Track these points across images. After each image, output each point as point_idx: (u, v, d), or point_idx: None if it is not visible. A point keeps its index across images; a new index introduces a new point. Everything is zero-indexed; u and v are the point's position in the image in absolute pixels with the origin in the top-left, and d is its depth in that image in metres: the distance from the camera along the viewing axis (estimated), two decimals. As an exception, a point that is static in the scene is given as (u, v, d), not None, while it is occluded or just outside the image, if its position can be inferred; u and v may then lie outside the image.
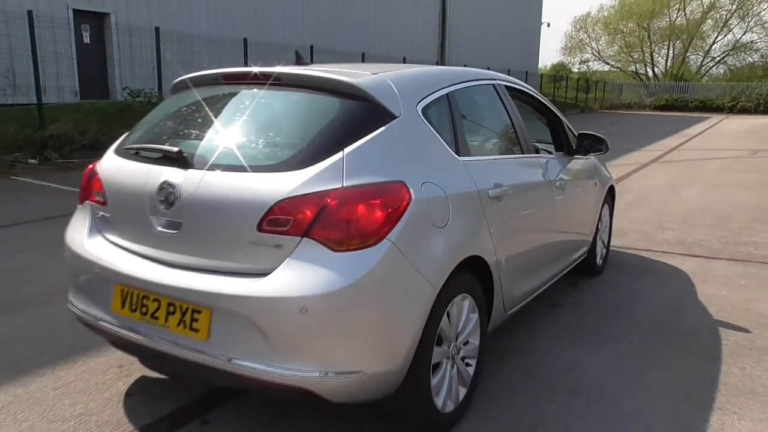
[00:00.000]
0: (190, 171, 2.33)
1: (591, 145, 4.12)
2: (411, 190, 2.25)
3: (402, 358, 2.20)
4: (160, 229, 2.36)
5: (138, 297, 2.38)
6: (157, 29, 12.78)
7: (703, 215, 7.15)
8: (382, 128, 2.34)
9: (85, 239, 2.63)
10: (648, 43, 50.22)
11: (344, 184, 2.14)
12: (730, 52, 49.67)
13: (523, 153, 3.36)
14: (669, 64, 50.31)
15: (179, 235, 2.31)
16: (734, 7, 47.68)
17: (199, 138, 2.52)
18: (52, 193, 7.76)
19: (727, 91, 39.93)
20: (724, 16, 48.26)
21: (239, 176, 2.25)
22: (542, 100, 3.97)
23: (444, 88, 2.80)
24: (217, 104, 2.66)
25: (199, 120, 2.64)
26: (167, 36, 13.41)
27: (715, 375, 3.10)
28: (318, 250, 2.09)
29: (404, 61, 19.85)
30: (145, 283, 2.34)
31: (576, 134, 4.16)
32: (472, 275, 2.61)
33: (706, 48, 49.95)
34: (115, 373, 3.04)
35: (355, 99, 2.39)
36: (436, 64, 24.43)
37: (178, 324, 2.27)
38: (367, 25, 20.56)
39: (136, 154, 2.59)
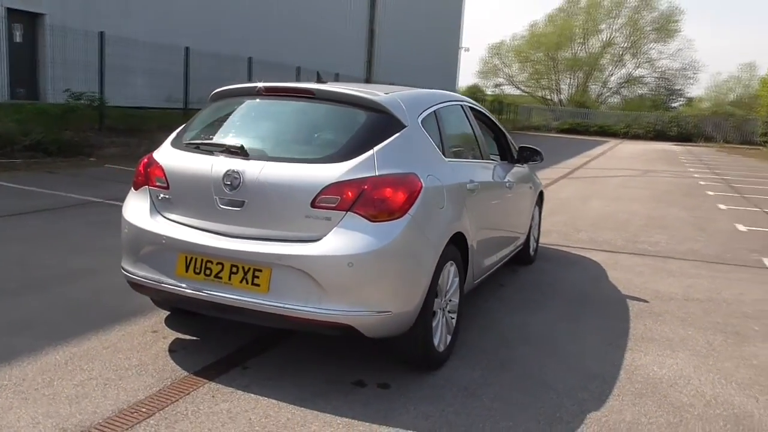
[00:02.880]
0: (252, 161, 3.00)
1: (529, 155, 5.08)
2: (421, 180, 3.04)
3: (416, 303, 2.96)
4: (223, 207, 3.00)
5: (202, 262, 3.00)
6: (101, 34, 12.87)
7: (608, 221, 8.39)
8: (397, 134, 3.12)
9: (148, 217, 3.21)
10: (554, 72, 54.12)
11: (377, 173, 2.90)
12: (624, 84, 54.46)
13: (483, 159, 4.24)
14: (572, 91, 54.32)
15: (242, 211, 2.97)
16: (627, 45, 52.56)
17: (254, 136, 3.20)
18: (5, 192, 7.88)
19: (621, 119, 43.74)
20: (619, 52, 53.02)
21: (295, 166, 2.96)
22: (492, 118, 4.89)
23: (433, 105, 3.62)
24: (263, 111, 3.37)
25: (249, 122, 3.33)
26: (109, 40, 13.45)
27: (626, 329, 4.07)
28: (359, 221, 2.83)
29: (337, 76, 20.68)
30: (210, 250, 2.97)
31: (516, 147, 5.11)
32: (456, 248, 3.42)
33: (604, 79, 54.55)
34: (151, 335, 3.58)
35: (376, 111, 3.16)
36: (365, 81, 25.35)
37: (241, 281, 2.92)
38: (302, 41, 21.22)
39: (197, 148, 3.22)
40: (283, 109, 3.34)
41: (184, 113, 14.73)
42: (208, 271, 2.99)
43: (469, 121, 4.23)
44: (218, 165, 3.05)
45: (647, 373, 3.37)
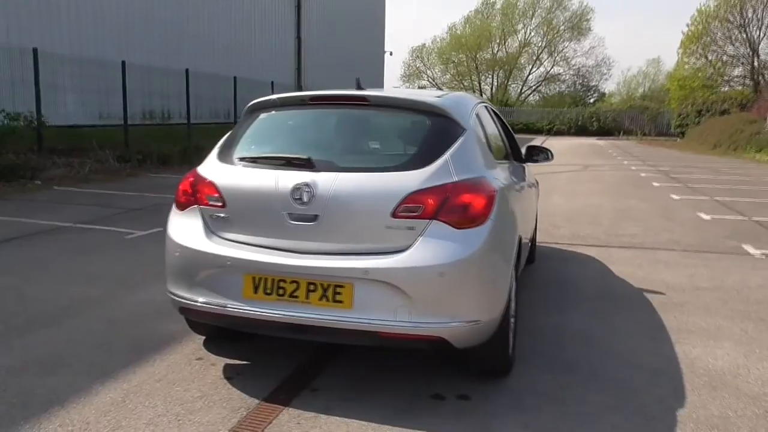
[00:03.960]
0: (322, 173, 2.84)
1: (538, 154, 5.12)
2: (493, 184, 2.98)
3: (501, 309, 2.90)
4: (293, 222, 2.83)
5: (273, 282, 2.82)
6: (35, 50, 11.98)
7: (579, 216, 8.64)
8: (462, 138, 3.05)
9: (203, 238, 2.98)
10: (476, 73, 55.57)
11: (455, 179, 2.82)
12: (543, 82, 56.65)
13: (509, 159, 4.24)
14: (494, 91, 55.92)
15: (315, 225, 2.80)
16: (544, 44, 54.75)
17: (316, 147, 3.03)
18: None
19: (544, 116, 45.50)
20: (536, 51, 55.13)
21: (370, 176, 2.82)
22: (502, 118, 4.90)
23: (474, 107, 3.57)
24: (315, 120, 3.20)
25: (305, 133, 3.15)
26: (27, 54, 12.54)
27: (660, 322, 4.17)
28: (445, 229, 2.73)
29: (272, 85, 20.27)
30: (283, 268, 2.79)
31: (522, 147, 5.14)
32: (515, 250, 3.38)
33: (524, 78, 56.52)
34: (198, 364, 3.34)
35: (437, 116, 3.08)
36: (298, 88, 25.03)
37: (320, 299, 2.76)
38: (234, 52, 20.58)
39: (254, 162, 3.02)
40: (336, 117, 3.19)
41: (125, 129, 13.99)
42: (281, 291, 2.81)
43: (494, 122, 4.22)
44: (284, 179, 2.87)
45: (705, 365, 3.45)
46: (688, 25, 40.29)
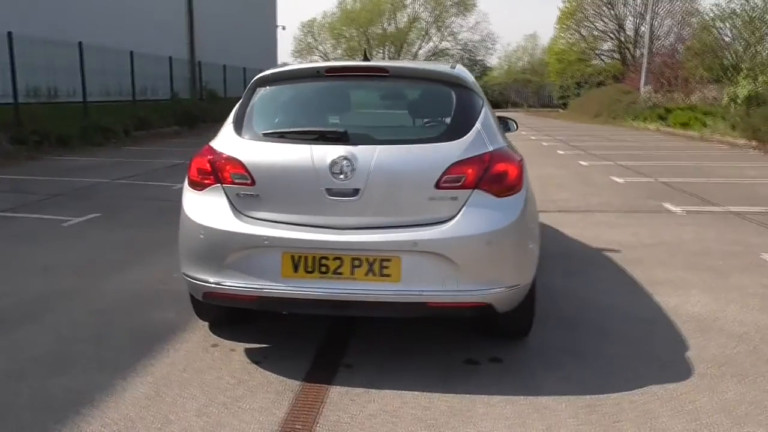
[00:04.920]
0: (361, 147, 2.79)
1: (506, 124, 5.29)
2: (515, 152, 3.08)
3: (533, 273, 3.03)
4: (332, 198, 2.77)
5: (314, 259, 2.76)
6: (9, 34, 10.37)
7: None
8: (483, 108, 3.11)
9: (232, 218, 2.84)
10: (368, 48, 55.58)
11: (490, 149, 2.88)
12: (432, 57, 57.78)
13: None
14: (386, 66, 56.32)
15: (357, 200, 2.76)
16: (432, 19, 55.80)
17: (347, 120, 2.96)
18: None
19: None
20: (425, 27, 56.07)
21: (410, 147, 2.82)
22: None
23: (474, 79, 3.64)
24: (337, 93, 3.12)
25: (330, 106, 3.06)
26: None
27: (630, 277, 4.51)
28: (487, 197, 2.80)
29: (170, 61, 19.14)
30: (325, 245, 2.74)
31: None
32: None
33: (414, 53, 57.32)
34: (217, 351, 3.19)
35: (459, 86, 3.11)
36: (190, 61, 23.86)
37: (367, 273, 2.74)
38: (122, 24, 19.07)
39: (281, 137, 2.90)
40: (357, 89, 3.14)
41: (14, 108, 12.62)
42: (324, 269, 2.75)
43: None
44: (320, 153, 2.79)
45: (687, 312, 3.80)
46: (564, 2, 42.93)
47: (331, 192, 2.78)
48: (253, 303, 2.90)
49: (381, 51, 56.62)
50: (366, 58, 3.41)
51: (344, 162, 2.76)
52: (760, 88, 16.52)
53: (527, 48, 63.81)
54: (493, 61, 58.95)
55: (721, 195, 7.98)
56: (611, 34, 41.90)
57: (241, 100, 3.22)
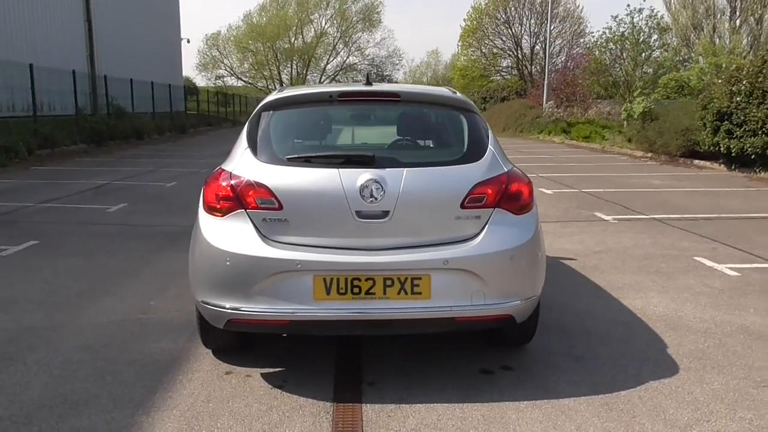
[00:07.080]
0: (388, 170, 2.88)
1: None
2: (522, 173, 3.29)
3: (542, 284, 3.24)
4: (362, 220, 2.84)
5: (346, 281, 2.81)
6: None
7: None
8: (489, 132, 3.31)
9: (260, 244, 2.83)
10: (275, 62, 55.19)
11: (505, 170, 3.07)
12: (340, 72, 58.33)
13: None
14: (293, 80, 56.11)
15: (388, 221, 2.85)
16: (339, 34, 56.39)
17: (368, 144, 3.04)
18: None
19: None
20: (332, 42, 56.53)
21: (435, 170, 2.96)
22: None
23: None
24: (353, 117, 3.20)
25: (348, 130, 3.12)
26: None
27: (592, 283, 4.87)
28: (507, 216, 2.98)
29: (74, 74, 18.07)
30: (357, 266, 2.80)
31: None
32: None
33: (322, 67, 57.65)
34: (234, 378, 3.15)
35: (466, 111, 3.29)
36: (92, 77, 22.65)
37: (399, 292, 2.83)
38: (17, 39, 17.85)
39: (307, 161, 2.93)
40: (372, 114, 3.25)
41: None
42: (356, 290, 2.82)
43: None
44: (349, 176, 2.86)
45: (654, 312, 4.17)
46: (465, 21, 44.85)
47: (360, 214, 2.85)
48: (283, 327, 2.90)
49: (288, 65, 56.42)
50: (369, 82, 3.51)
51: (374, 185, 2.84)
52: (652, 105, 18.10)
53: (431, 63, 66.11)
54: (399, 75, 60.34)
55: (640, 203, 8.70)
56: (509, 52, 44.21)
57: (248, 123, 3.22)
